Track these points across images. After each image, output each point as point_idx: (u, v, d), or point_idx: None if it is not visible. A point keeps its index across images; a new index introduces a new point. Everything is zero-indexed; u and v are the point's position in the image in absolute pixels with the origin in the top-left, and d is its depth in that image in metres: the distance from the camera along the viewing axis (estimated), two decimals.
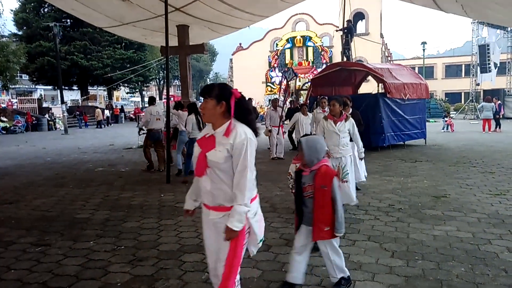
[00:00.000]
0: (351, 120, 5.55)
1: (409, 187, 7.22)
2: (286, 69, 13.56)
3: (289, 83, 12.65)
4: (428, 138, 14.19)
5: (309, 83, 14.51)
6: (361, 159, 6.02)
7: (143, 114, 10.06)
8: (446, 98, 43.42)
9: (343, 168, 5.51)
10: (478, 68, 31.07)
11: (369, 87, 18.71)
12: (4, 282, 3.70)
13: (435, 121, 25.95)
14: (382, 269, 3.76)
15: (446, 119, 20.38)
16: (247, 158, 2.36)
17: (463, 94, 43.01)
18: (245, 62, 38.88)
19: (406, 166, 9.59)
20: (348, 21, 17.76)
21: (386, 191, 6.92)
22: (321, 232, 3.18)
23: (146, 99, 59.26)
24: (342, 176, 5.44)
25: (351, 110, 7.22)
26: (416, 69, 36.58)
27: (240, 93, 2.49)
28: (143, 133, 9.87)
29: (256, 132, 2.51)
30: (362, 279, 3.55)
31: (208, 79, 76.97)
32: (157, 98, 57.48)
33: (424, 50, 39.29)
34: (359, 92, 15.61)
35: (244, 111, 2.50)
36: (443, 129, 19.98)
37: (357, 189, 6.23)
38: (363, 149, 5.84)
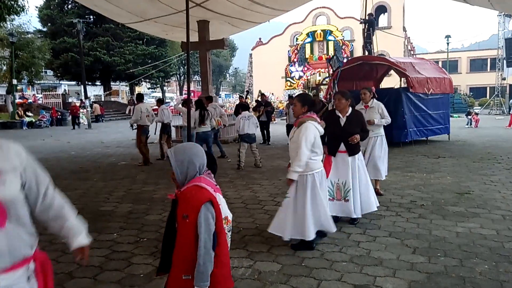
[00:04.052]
0: (304, 125, 3.97)
1: (432, 183, 7.12)
2: (329, 57, 13.38)
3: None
4: (451, 134, 13.93)
5: (329, 78, 14.40)
6: (288, 180, 4.06)
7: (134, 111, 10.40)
8: (471, 93, 42.46)
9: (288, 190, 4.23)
10: (504, 62, 30.23)
11: (391, 81, 18.39)
12: None
13: (459, 116, 25.41)
14: (404, 265, 3.73)
15: (469, 117, 19.98)
16: None
17: (488, 88, 41.92)
18: (264, 57, 38.79)
19: (429, 162, 9.45)
20: (370, 14, 17.52)
21: (408, 187, 6.84)
22: (177, 281, 2.19)
23: (167, 95, 59.94)
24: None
25: (350, 110, 4.93)
26: (440, 63, 35.79)
27: None
28: (135, 129, 10.24)
29: None
30: (383, 275, 3.53)
31: (227, 74, 77.20)
32: (177, 94, 58.20)
33: (448, 43, 38.40)
34: (381, 87, 15.41)
35: None
36: (467, 124, 19.59)
37: (336, 219, 4.69)
38: (299, 169, 3.97)
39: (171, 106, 25.45)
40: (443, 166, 8.86)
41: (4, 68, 29.69)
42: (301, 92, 4.91)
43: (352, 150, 4.87)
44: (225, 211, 2.48)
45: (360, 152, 5.07)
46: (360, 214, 4.90)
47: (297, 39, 38.14)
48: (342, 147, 4.85)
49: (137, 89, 44.77)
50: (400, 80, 15.34)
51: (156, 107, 12.07)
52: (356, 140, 4.80)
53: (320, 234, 4.29)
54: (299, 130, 4.01)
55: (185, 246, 2.15)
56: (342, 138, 4.84)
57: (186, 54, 8.88)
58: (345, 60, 25.84)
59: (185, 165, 2.18)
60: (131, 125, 10.34)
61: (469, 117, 20.02)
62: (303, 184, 4.05)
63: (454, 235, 4.49)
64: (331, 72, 13.19)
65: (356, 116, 5.00)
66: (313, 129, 4.00)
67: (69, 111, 27.40)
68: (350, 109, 4.97)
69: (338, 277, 3.51)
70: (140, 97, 10.74)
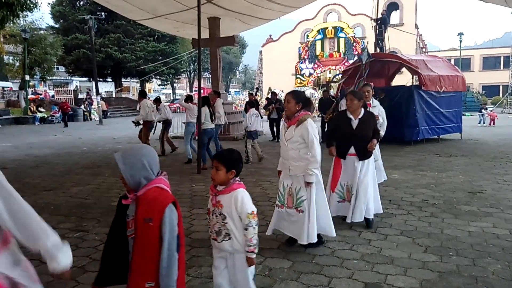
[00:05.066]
0: (307, 123, 3.78)
1: (444, 182, 7.06)
2: (360, 52, 13.05)
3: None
4: (464, 132, 13.79)
5: (340, 75, 14.32)
6: (308, 183, 3.85)
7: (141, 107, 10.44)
8: (483, 91, 42.00)
9: (297, 193, 3.92)
10: None
11: (403, 79, 18.25)
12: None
13: (471, 115, 25.13)
14: (415, 264, 3.71)
15: (483, 112, 19.65)
16: None
17: (501, 87, 41.42)
18: (275, 54, 38.69)
19: (441, 160, 9.37)
20: (383, 11, 17.39)
21: (419, 186, 6.79)
22: None
23: (178, 91, 60.15)
24: (295, 203, 3.94)
25: (362, 111, 4.64)
26: (452, 61, 35.41)
27: None
28: (139, 125, 10.27)
29: None
30: (394, 273, 3.52)
31: (237, 71, 77.21)
32: (188, 90, 58.39)
33: (461, 41, 37.99)
34: (392, 84, 15.30)
35: None
36: (479, 123, 19.33)
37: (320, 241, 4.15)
38: (315, 172, 3.85)
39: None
40: (455, 165, 8.78)
41: (17, 64, 30.07)
42: (293, 89, 4.62)
43: (363, 154, 4.60)
44: (252, 206, 2.52)
45: (372, 157, 4.81)
46: (361, 218, 4.62)
47: (307, 36, 37.97)
48: (352, 150, 4.62)
49: (148, 86, 45.02)
50: (412, 78, 15.23)
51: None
52: (374, 146, 4.60)
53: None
54: (303, 129, 3.78)
55: (148, 251, 2.03)
56: (352, 141, 4.60)
57: (196, 51, 8.91)
58: (355, 58, 25.65)
59: (136, 167, 2.04)
60: (136, 122, 10.38)
61: (484, 112, 19.63)
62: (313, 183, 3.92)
63: (466, 234, 4.45)
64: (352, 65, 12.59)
65: (369, 118, 4.68)
66: (315, 127, 3.88)
67: (59, 108, 25.71)
68: (363, 110, 4.62)
69: (349, 275, 3.51)
70: (143, 94, 10.89)
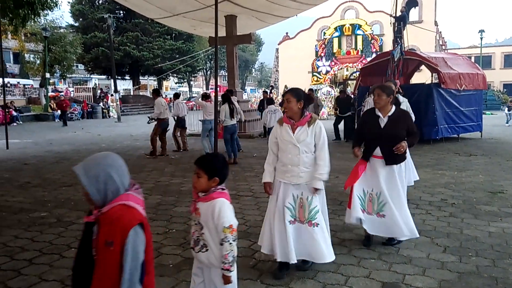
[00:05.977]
0: (319, 123, 3.42)
1: (463, 182, 6.94)
2: (393, 49, 12.74)
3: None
4: (484, 131, 13.55)
5: (357, 73, 14.19)
6: (316, 190, 3.39)
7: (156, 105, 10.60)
8: (505, 90, 41.11)
9: (310, 204, 3.43)
10: None
11: (422, 77, 18.02)
12: (65, 259, 3.95)
13: (491, 114, 24.62)
14: (434, 264, 3.66)
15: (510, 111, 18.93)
16: None
17: None
18: (291, 52, 38.52)
19: (460, 160, 9.22)
20: (402, 8, 17.15)
21: (438, 185, 6.69)
22: None
23: (194, 89, 60.49)
24: (307, 216, 3.43)
25: (393, 108, 4.08)
26: (473, 58, 34.75)
27: None
28: (153, 123, 10.44)
29: None
30: (412, 273, 3.48)
31: (253, 69, 77.15)
32: (204, 88, 58.67)
33: (481, 38, 37.26)
34: (411, 82, 15.11)
35: None
36: (507, 123, 18.57)
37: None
38: (326, 175, 3.41)
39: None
40: (475, 164, 8.63)
41: (38, 62, 30.66)
42: (294, 87, 4.14)
43: (390, 158, 3.98)
44: (231, 219, 2.29)
45: (403, 163, 4.22)
46: (403, 235, 3.99)
47: (324, 33, 37.71)
48: (378, 151, 4.03)
49: (165, 84, 45.33)
50: (432, 76, 15.01)
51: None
52: (402, 149, 3.89)
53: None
54: (317, 129, 3.40)
55: (107, 279, 1.74)
56: (379, 141, 4.01)
57: (213, 49, 8.95)
58: (373, 55, 25.39)
59: (101, 180, 1.76)
60: (152, 119, 10.52)
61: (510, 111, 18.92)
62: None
63: (486, 235, 4.38)
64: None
65: (402, 115, 4.10)
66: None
67: (57, 106, 24.37)
68: (393, 107, 4.08)
69: (366, 274, 3.48)
70: (157, 92, 11.05)
